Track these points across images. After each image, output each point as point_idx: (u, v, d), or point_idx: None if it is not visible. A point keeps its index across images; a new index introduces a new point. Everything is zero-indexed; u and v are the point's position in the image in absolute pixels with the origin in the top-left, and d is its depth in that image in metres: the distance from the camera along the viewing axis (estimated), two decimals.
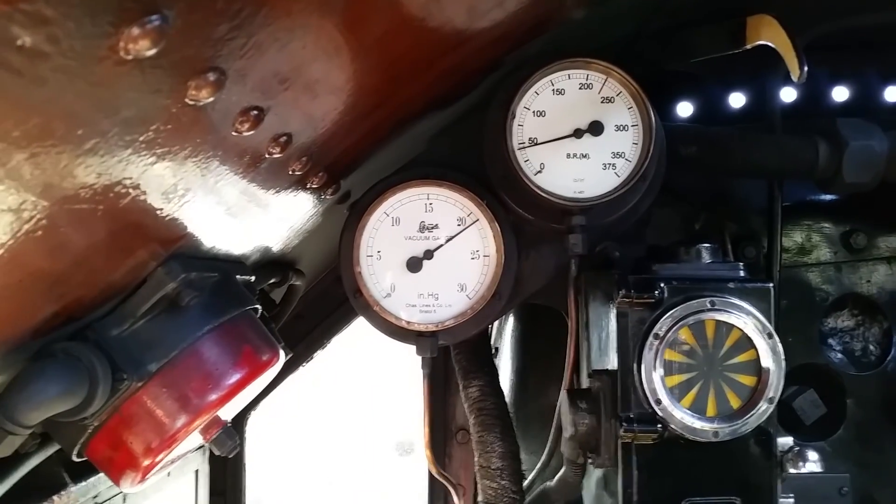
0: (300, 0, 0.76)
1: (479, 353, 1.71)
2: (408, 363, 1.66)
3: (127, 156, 0.75)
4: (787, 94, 1.86)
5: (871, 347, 1.86)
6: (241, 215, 1.19)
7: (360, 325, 2.31)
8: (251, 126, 0.89)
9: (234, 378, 1.15)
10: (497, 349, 2.17)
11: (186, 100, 0.73)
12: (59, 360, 0.95)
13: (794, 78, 1.23)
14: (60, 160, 0.67)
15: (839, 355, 1.86)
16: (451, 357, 1.74)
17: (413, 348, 1.56)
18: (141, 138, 0.74)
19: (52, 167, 0.67)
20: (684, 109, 2.00)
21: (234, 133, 0.89)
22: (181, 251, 1.08)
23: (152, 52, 0.62)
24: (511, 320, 2.14)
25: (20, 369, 0.95)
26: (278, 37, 0.79)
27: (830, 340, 1.87)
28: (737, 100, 2.00)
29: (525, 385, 2.06)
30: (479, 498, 1.65)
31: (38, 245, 0.78)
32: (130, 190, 0.82)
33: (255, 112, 0.88)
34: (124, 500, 1.57)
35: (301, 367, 2.28)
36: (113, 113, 0.67)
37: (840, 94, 1.98)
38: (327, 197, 1.41)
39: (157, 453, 1.12)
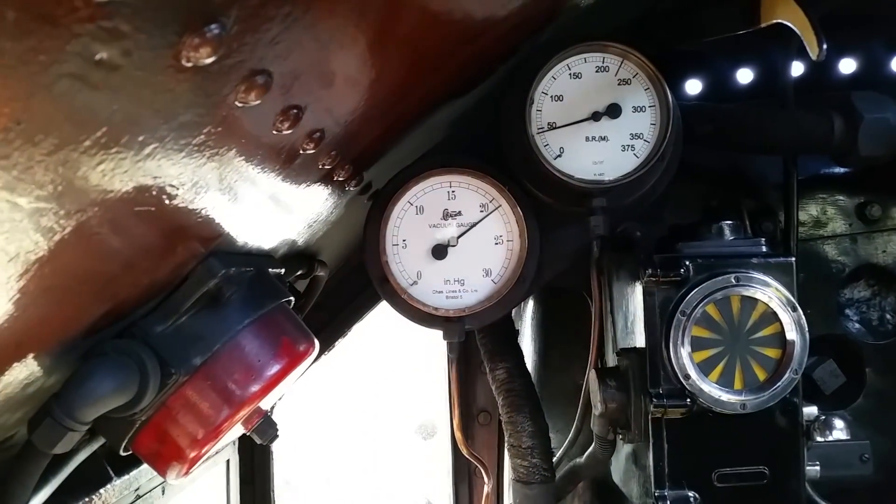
0: (343, 1, 0.78)
1: (504, 335, 1.74)
2: (428, 347, 1.68)
3: (180, 159, 0.77)
4: (795, 68, 1.88)
5: (888, 317, 1.89)
6: (273, 210, 1.21)
7: (379, 310, 2.35)
8: (291, 125, 0.91)
9: (275, 368, 1.18)
10: (518, 331, 2.20)
11: (237, 103, 0.76)
12: (112, 357, 0.98)
13: (814, 56, 1.25)
14: (122, 166, 0.70)
15: (856, 325, 1.88)
16: (476, 340, 1.77)
17: (438, 333, 1.59)
18: (194, 142, 0.76)
19: (113, 173, 0.70)
20: (693, 87, 2.02)
21: (274, 132, 0.91)
22: (219, 248, 1.11)
23: (211, 59, 0.64)
24: (531, 303, 2.17)
25: (72, 368, 0.98)
26: (320, 38, 0.81)
27: (847, 311, 1.89)
28: (745, 75, 2.01)
29: (547, 365, 2.09)
30: (511, 476, 1.68)
31: (96, 249, 0.81)
32: (179, 191, 0.84)
33: (295, 111, 0.90)
34: (163, 491, 1.60)
35: (323, 357, 2.31)
36: (171, 118, 0.69)
37: (847, 66, 2.00)
38: (351, 189, 1.43)
39: (204, 445, 1.15)
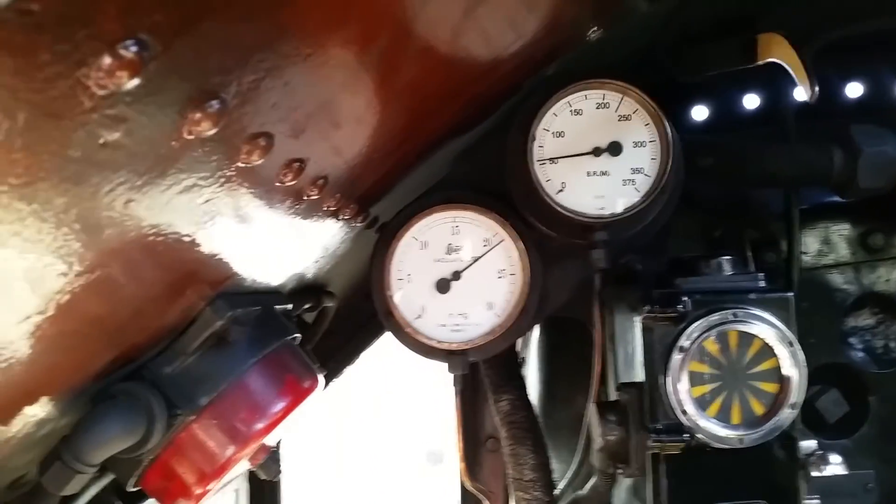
0: (341, 65, 0.81)
1: (508, 367, 1.76)
2: (437, 373, 1.71)
3: (186, 216, 0.81)
4: (801, 93, 1.89)
5: (892, 345, 1.89)
6: (280, 251, 1.25)
7: (388, 337, 2.37)
8: (294, 176, 0.95)
9: (280, 406, 1.21)
10: (523, 360, 2.22)
11: (239, 164, 0.79)
12: (120, 401, 1.01)
13: (806, 97, 1.27)
14: (130, 225, 0.73)
15: (860, 354, 1.89)
16: (480, 370, 1.79)
17: (444, 365, 1.61)
18: (199, 200, 0.79)
19: (122, 233, 0.73)
20: (699, 113, 2.04)
21: (277, 184, 0.94)
22: (227, 289, 1.14)
23: (213, 131, 0.67)
24: (537, 332, 2.19)
25: (83, 411, 1.01)
26: (319, 98, 0.84)
27: (851, 339, 1.90)
28: (751, 101, 2.03)
29: (552, 395, 2.10)
30: None
31: (107, 299, 0.85)
32: (187, 242, 0.88)
33: (298, 163, 0.94)
34: None
35: (332, 383, 2.34)
36: (176, 183, 0.73)
37: (854, 90, 2.01)
38: (357, 224, 1.46)
39: (209, 482, 1.17)
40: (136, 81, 0.53)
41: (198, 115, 0.64)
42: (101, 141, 0.57)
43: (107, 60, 0.50)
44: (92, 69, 0.50)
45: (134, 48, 0.51)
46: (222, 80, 0.64)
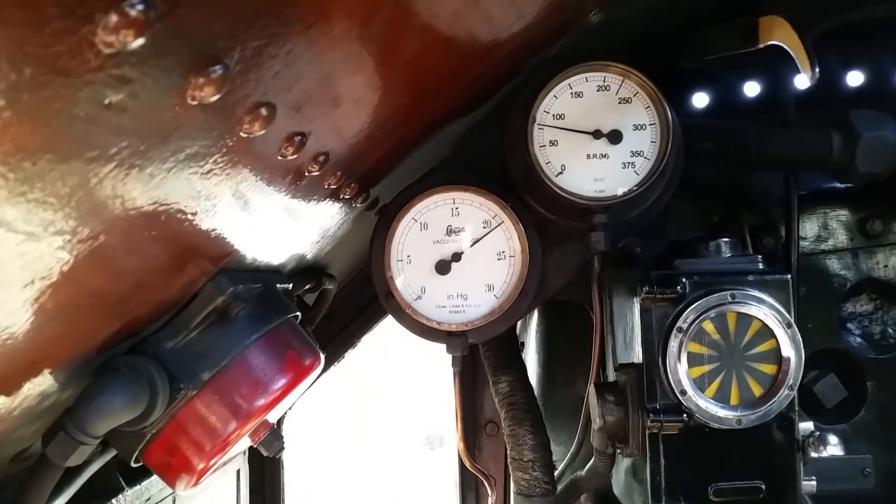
0: (343, 36, 0.82)
1: (507, 349, 1.76)
2: (436, 357, 1.71)
3: (188, 185, 0.81)
4: (802, 81, 1.89)
5: (890, 331, 1.90)
6: (281, 228, 1.25)
7: (388, 321, 2.38)
8: (295, 150, 0.95)
9: (281, 383, 1.22)
10: (523, 343, 2.23)
11: (241, 133, 0.80)
12: (123, 373, 1.02)
13: (807, 80, 1.28)
14: (132, 196, 0.73)
15: (858, 339, 1.90)
16: (480, 353, 1.80)
17: (443, 346, 1.62)
18: (201, 171, 0.80)
19: (124, 203, 0.74)
20: (700, 100, 2.04)
21: (279, 157, 0.95)
22: (228, 266, 1.15)
23: (216, 97, 0.68)
24: (536, 315, 2.20)
25: (86, 382, 1.02)
26: (322, 69, 0.85)
27: (849, 325, 1.91)
28: (752, 88, 2.04)
29: (552, 378, 2.11)
30: (513, 489, 1.71)
31: (108, 271, 0.85)
32: (189, 215, 0.88)
33: (299, 137, 0.94)
34: (174, 501, 1.64)
35: (333, 367, 2.35)
36: (179, 151, 0.73)
37: (855, 78, 2.02)
38: (358, 205, 1.47)
39: (211, 457, 1.18)
40: (141, 41, 0.54)
41: (201, 80, 0.65)
42: (107, 101, 0.57)
43: (113, 18, 0.51)
44: (98, 26, 0.50)
45: (140, 7, 0.51)
46: (226, 44, 0.64)
